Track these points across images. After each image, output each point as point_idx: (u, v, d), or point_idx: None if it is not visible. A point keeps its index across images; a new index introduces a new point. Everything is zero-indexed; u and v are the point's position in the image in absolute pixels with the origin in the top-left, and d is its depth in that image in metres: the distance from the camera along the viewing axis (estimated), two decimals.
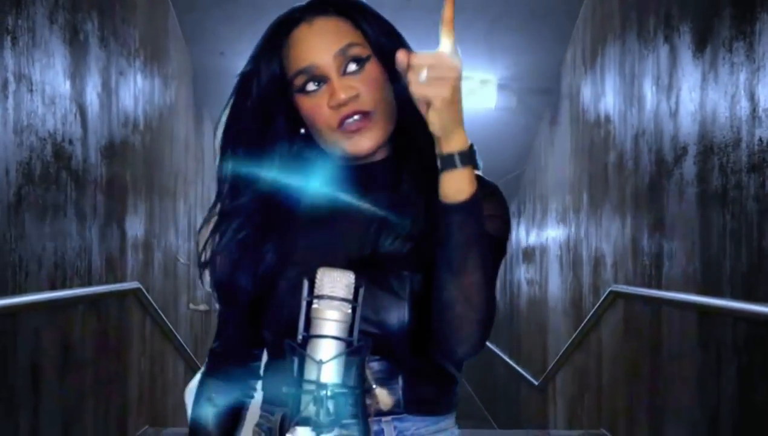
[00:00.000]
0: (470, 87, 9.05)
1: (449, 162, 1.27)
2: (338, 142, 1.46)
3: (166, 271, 7.12)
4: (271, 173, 1.52)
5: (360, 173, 1.51)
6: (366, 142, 1.45)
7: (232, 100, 1.53)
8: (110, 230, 5.37)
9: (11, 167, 3.80)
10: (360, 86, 1.44)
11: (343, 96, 1.43)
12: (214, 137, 1.57)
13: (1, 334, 3.72)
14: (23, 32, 3.93)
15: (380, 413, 1.44)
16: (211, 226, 1.55)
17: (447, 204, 1.29)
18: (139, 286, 5.94)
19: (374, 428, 1.44)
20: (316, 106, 1.45)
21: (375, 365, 1.43)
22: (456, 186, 1.28)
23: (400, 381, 1.45)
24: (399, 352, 1.44)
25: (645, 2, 5.46)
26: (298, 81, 1.46)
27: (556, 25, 7.78)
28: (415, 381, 1.47)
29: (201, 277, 1.55)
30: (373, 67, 1.46)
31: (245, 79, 1.51)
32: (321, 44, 1.45)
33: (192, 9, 7.47)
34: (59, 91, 4.44)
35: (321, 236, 1.50)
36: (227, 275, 1.51)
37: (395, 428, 1.46)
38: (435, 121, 1.25)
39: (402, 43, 1.50)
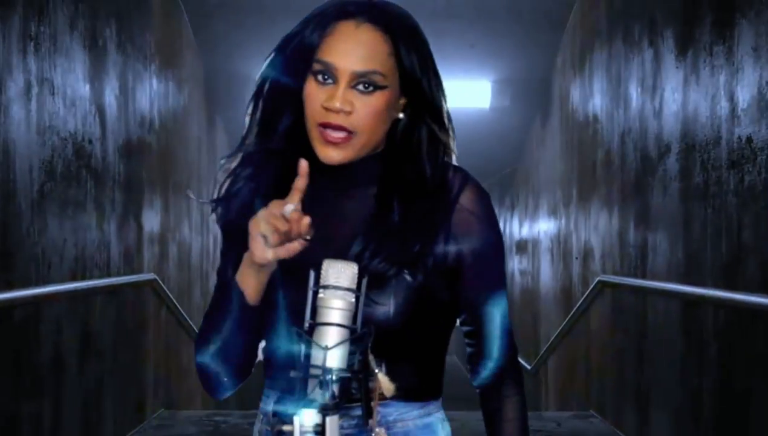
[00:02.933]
0: (466, 88, 9.05)
1: None
2: (313, 139, 1.45)
3: (180, 263, 7.12)
4: (292, 126, 1.49)
5: (352, 171, 1.49)
6: (336, 156, 1.44)
7: (272, 56, 1.51)
8: (128, 224, 5.37)
9: (35, 165, 3.80)
10: (359, 106, 1.42)
11: (337, 105, 1.41)
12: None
13: (25, 322, 3.73)
14: (45, 38, 3.93)
15: (384, 397, 1.45)
16: (233, 164, 1.52)
17: None
18: (155, 277, 5.94)
19: (382, 411, 1.47)
20: (315, 95, 1.44)
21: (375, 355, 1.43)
22: None
23: (399, 368, 1.46)
24: (386, 346, 1.44)
25: (630, 9, 5.45)
26: (316, 66, 1.44)
27: (547, 31, 7.78)
28: (405, 369, 1.48)
29: (215, 211, 1.52)
30: (382, 96, 1.44)
31: (287, 38, 1.49)
32: (351, 53, 1.43)
33: (204, 15, 7.47)
34: (79, 94, 4.44)
35: (324, 231, 1.48)
36: (236, 221, 1.46)
37: (396, 410, 1.49)
38: None
39: (437, 79, 1.49)
